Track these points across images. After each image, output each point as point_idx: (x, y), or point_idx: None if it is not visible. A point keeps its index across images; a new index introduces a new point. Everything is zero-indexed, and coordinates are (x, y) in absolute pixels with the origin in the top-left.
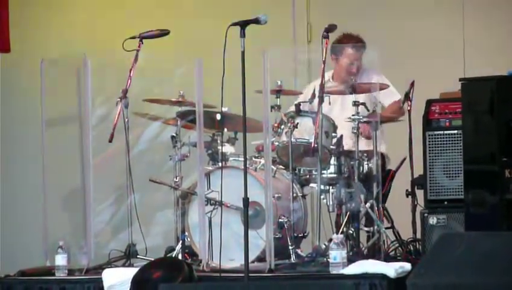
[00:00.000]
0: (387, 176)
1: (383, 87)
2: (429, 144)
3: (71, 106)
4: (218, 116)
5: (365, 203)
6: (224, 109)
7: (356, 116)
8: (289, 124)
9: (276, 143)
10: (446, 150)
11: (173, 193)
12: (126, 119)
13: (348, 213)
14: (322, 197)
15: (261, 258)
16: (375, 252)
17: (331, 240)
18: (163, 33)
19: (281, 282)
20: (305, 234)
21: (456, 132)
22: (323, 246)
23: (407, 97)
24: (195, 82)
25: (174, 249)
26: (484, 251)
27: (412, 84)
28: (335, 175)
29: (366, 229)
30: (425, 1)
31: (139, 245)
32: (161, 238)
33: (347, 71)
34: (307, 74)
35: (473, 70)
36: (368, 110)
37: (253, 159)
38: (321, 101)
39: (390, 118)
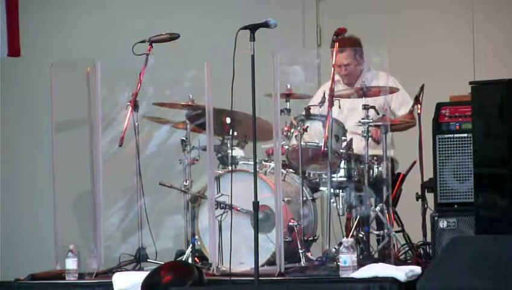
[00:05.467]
0: (397, 180)
1: (393, 90)
2: (439, 148)
3: (81, 110)
4: (228, 120)
5: (375, 206)
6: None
7: (366, 120)
8: (299, 128)
9: (286, 147)
10: (456, 153)
11: (183, 196)
12: (136, 123)
13: (358, 217)
14: (331, 200)
15: (271, 262)
16: (385, 256)
17: (341, 243)
18: (173, 37)
19: (291, 286)
20: (315, 238)
21: (466, 135)
22: (333, 250)
23: (417, 100)
24: (205, 85)
25: (184, 253)
26: (494, 254)
27: (422, 87)
28: (345, 179)
29: (376, 232)
30: (434, 5)
31: (149, 249)
32: (171, 242)
33: (338, 73)
34: (317, 77)
35: (483, 73)
36: (378, 113)
37: (263, 162)
38: (331, 104)
39: (399, 125)
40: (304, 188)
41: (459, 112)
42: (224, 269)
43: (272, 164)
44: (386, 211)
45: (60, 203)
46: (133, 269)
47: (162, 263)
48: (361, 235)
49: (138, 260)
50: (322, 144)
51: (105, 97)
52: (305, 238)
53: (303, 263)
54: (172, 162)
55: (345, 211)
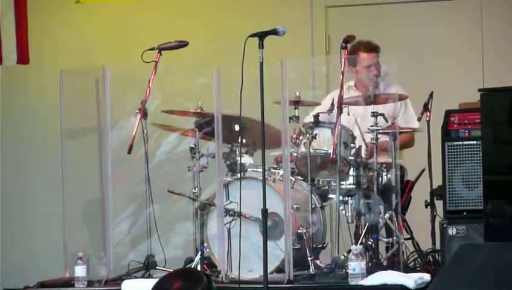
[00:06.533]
0: (406, 187)
1: (402, 97)
2: (448, 155)
3: (90, 117)
4: (237, 127)
5: (384, 214)
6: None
7: (375, 127)
8: (308, 135)
9: (295, 154)
10: (465, 160)
11: (192, 204)
12: (145, 131)
13: (367, 224)
14: (340, 208)
15: (279, 269)
16: (394, 263)
17: (350, 251)
18: (182, 44)
19: None
20: (324, 245)
21: (475, 142)
22: (342, 257)
23: (426, 108)
24: (214, 93)
25: (193, 260)
26: (504, 261)
27: (431, 95)
28: (354, 186)
29: (385, 240)
30: (443, 11)
31: (158, 256)
32: (180, 250)
33: (367, 76)
34: (326, 84)
35: (492, 80)
36: (387, 121)
37: (272, 170)
38: (340, 112)
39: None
40: (312, 195)
41: (468, 119)
42: (233, 276)
43: (281, 171)
44: (395, 219)
45: (69, 210)
46: (142, 277)
47: (171, 270)
48: (370, 242)
49: (147, 267)
50: (331, 151)
51: (114, 104)
52: (314, 246)
53: (312, 270)
54: (181, 169)
55: (354, 218)
